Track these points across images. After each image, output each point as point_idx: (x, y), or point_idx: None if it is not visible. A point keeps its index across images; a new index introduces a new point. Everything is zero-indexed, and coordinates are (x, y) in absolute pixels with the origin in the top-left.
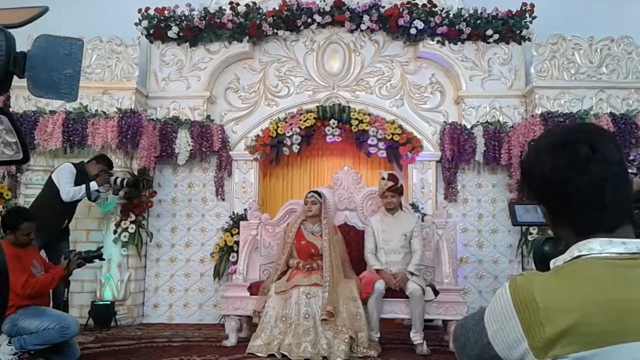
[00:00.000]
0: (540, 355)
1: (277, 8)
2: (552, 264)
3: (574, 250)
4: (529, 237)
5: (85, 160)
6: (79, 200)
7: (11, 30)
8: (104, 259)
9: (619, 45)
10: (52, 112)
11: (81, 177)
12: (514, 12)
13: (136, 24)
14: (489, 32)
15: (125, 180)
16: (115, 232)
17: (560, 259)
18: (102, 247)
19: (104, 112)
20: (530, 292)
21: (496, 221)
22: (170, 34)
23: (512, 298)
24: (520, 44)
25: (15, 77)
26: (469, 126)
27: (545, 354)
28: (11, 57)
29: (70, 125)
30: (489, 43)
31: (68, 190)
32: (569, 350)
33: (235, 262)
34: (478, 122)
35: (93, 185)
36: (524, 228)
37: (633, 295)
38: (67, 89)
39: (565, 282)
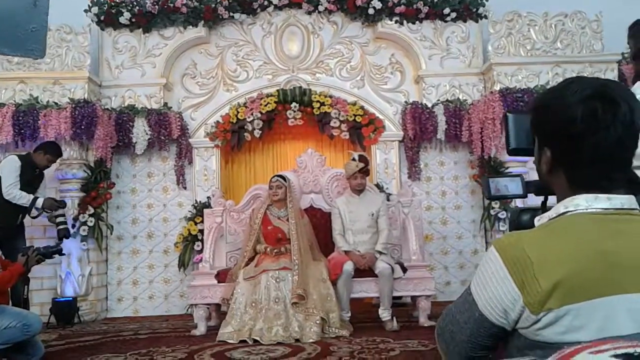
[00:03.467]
0: (536, 309)
1: None
2: (536, 221)
3: (560, 207)
4: (491, 212)
5: (32, 151)
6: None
7: None
8: (63, 254)
9: (573, 21)
10: (1, 105)
11: (28, 168)
12: None
13: (86, 11)
14: (446, 10)
15: (64, 229)
16: (73, 226)
17: (545, 216)
18: (60, 242)
19: (56, 103)
20: (521, 249)
21: (459, 197)
22: (122, 20)
23: (502, 258)
24: (477, 21)
25: None
26: (429, 105)
27: (541, 308)
28: None
29: (20, 118)
30: (446, 22)
31: (9, 187)
32: (563, 302)
33: (200, 251)
34: (438, 100)
35: (38, 202)
36: (486, 202)
37: (621, 248)
38: (34, 45)
39: (555, 236)
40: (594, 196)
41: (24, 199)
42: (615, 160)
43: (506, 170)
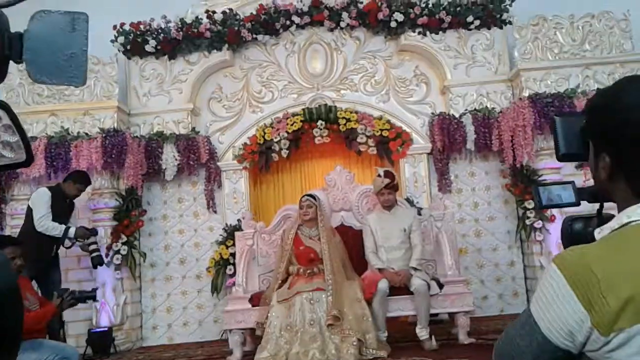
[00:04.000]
0: (606, 331)
1: (254, 13)
2: (596, 233)
3: (623, 217)
4: (527, 222)
5: (62, 181)
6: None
7: (4, 10)
8: (97, 301)
9: (600, 21)
10: (33, 138)
11: (58, 199)
12: None
13: (112, 41)
14: (470, 18)
15: (98, 256)
16: (107, 255)
17: (607, 227)
18: (97, 288)
19: (87, 134)
20: (586, 266)
21: (492, 208)
22: (148, 48)
23: (565, 276)
24: (501, 28)
25: (12, 63)
26: (457, 115)
27: (611, 329)
28: (5, 39)
29: (52, 150)
30: (470, 30)
31: (41, 219)
32: (634, 320)
33: (232, 275)
34: (466, 110)
35: (70, 232)
36: (520, 213)
37: None
38: (74, 72)
39: (620, 249)
40: None
41: (56, 229)
42: None
43: (540, 179)
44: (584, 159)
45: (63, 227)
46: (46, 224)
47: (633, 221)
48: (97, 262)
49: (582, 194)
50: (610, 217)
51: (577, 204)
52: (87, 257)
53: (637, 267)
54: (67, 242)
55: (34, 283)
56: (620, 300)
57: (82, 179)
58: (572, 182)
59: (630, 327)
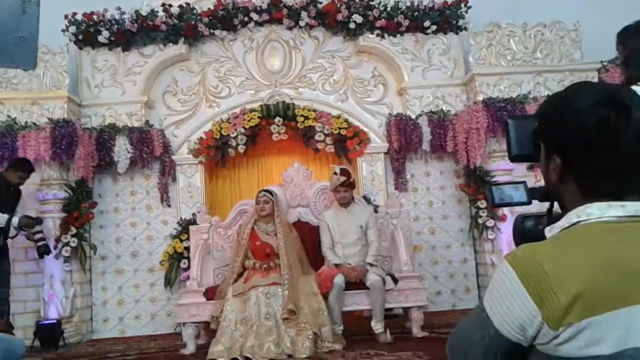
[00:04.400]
0: (555, 325)
1: (212, 8)
2: (547, 232)
3: (572, 217)
4: (479, 220)
5: (4, 169)
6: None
7: None
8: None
9: (552, 31)
10: None
11: (2, 188)
12: (449, 3)
13: (63, 30)
14: (427, 23)
15: (44, 245)
16: (55, 247)
17: (557, 226)
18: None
19: (35, 124)
20: (537, 263)
21: (446, 207)
22: (101, 39)
23: (517, 273)
24: (457, 33)
25: None
26: (413, 116)
27: (560, 323)
28: None
29: None
30: (427, 34)
31: None
32: (582, 315)
33: (186, 269)
34: (422, 112)
35: (14, 220)
36: (473, 212)
37: (637, 257)
38: (23, 55)
39: (569, 248)
40: (607, 204)
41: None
42: (629, 167)
43: (492, 179)
44: (535, 160)
45: (6, 216)
46: None
47: (582, 221)
48: (43, 251)
49: (534, 193)
50: (560, 215)
51: (529, 203)
52: (34, 249)
53: (586, 265)
54: (12, 231)
55: None
56: (570, 296)
57: (24, 167)
58: (523, 182)
59: (579, 322)
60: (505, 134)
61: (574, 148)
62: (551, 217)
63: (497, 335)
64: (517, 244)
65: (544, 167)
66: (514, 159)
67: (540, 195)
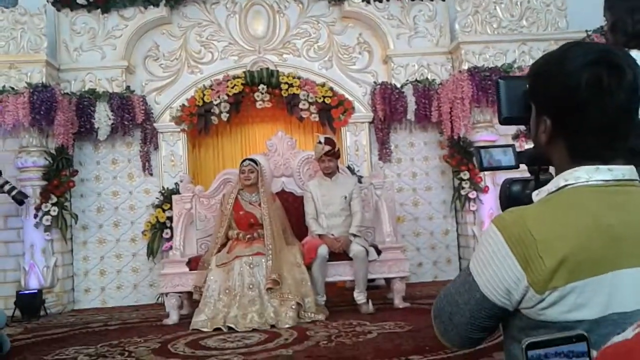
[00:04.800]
0: (540, 289)
1: None
2: (534, 195)
3: (560, 180)
4: (462, 192)
5: None
6: None
7: None
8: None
9: None
10: None
11: None
12: None
13: None
14: None
15: (18, 192)
16: (35, 216)
17: (544, 190)
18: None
19: (13, 88)
20: (523, 226)
21: (430, 179)
22: (80, 0)
23: (504, 236)
24: (443, 0)
25: None
26: (399, 85)
27: (545, 287)
28: None
29: None
30: (413, 0)
31: None
32: (568, 279)
33: (169, 239)
34: (407, 80)
35: None
36: (456, 183)
37: (623, 221)
38: None
39: (556, 212)
40: (595, 167)
41: None
42: (619, 129)
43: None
44: (525, 122)
45: None
46: None
47: (569, 184)
48: (20, 198)
49: (521, 157)
50: (547, 180)
51: (517, 167)
52: (12, 217)
53: (572, 229)
54: None
55: None
56: (555, 260)
57: None
58: (512, 146)
59: (564, 286)
60: (496, 95)
61: (564, 108)
62: (538, 182)
63: (482, 298)
64: (503, 209)
65: (534, 129)
66: (504, 121)
67: (528, 159)
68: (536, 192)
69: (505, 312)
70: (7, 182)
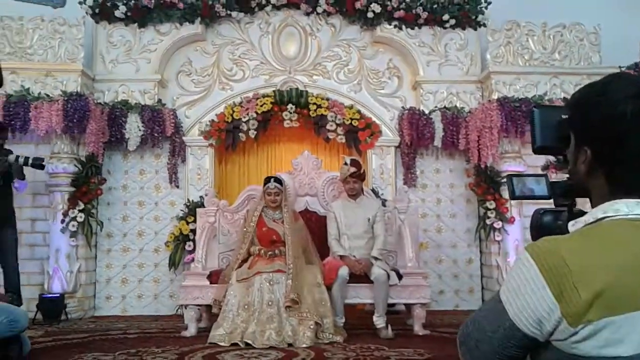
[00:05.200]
0: (574, 322)
1: None
2: (570, 226)
3: (598, 212)
4: (487, 221)
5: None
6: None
7: None
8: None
9: (571, 32)
10: None
11: None
12: None
13: (80, 3)
14: (446, 17)
15: (34, 159)
16: (62, 221)
17: (581, 220)
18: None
19: (48, 95)
20: (559, 256)
21: (454, 206)
22: (118, 13)
23: (537, 265)
24: (475, 29)
25: None
26: (427, 111)
27: (579, 320)
28: None
29: (11, 109)
30: (445, 28)
31: None
32: (602, 314)
33: (191, 251)
34: (436, 107)
35: None
36: (481, 212)
37: None
38: None
39: (594, 243)
40: (636, 201)
41: None
42: None
43: (502, 180)
44: (558, 153)
45: None
46: None
47: (608, 217)
48: (38, 163)
49: (555, 188)
50: (580, 212)
51: (549, 197)
52: (42, 221)
53: (609, 262)
54: None
55: None
56: (591, 293)
57: None
58: (545, 175)
59: (598, 320)
60: (530, 123)
61: (606, 139)
62: (572, 213)
63: (512, 327)
64: (534, 239)
65: (572, 160)
66: (537, 150)
67: (562, 190)
68: (572, 222)
69: (535, 342)
70: (18, 156)
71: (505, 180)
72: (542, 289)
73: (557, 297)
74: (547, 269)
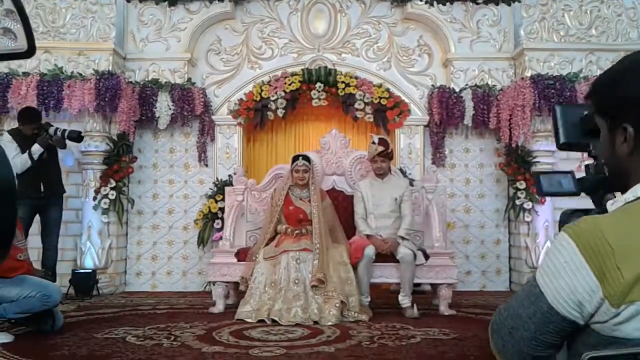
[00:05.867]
0: (616, 302)
1: None
2: (609, 205)
3: (638, 190)
4: (517, 202)
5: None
6: (39, 164)
7: None
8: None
9: (609, 7)
10: (26, 74)
11: (22, 139)
12: None
13: None
14: None
15: (67, 132)
16: (94, 198)
17: (621, 199)
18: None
19: (80, 74)
20: (600, 235)
21: (483, 186)
22: None
23: (577, 246)
24: (509, 5)
25: None
26: (457, 89)
27: (622, 300)
28: None
29: (45, 88)
30: (478, 4)
31: (13, 160)
32: None
33: (219, 229)
34: (467, 85)
35: (35, 150)
36: (511, 192)
37: None
38: None
39: (634, 222)
40: None
41: (26, 162)
42: None
43: (534, 160)
44: (582, 149)
45: (26, 155)
46: (17, 164)
47: None
48: (75, 135)
49: (582, 183)
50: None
51: (578, 193)
52: (74, 198)
53: None
54: (36, 154)
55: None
56: (635, 273)
57: (26, 119)
58: (571, 172)
59: None
60: (553, 120)
61: None
62: (600, 210)
63: (550, 311)
64: None
65: (609, 146)
66: (561, 146)
67: (590, 186)
68: (611, 201)
69: (574, 326)
70: (57, 128)
71: (536, 159)
72: (582, 269)
73: (599, 278)
74: (588, 249)
